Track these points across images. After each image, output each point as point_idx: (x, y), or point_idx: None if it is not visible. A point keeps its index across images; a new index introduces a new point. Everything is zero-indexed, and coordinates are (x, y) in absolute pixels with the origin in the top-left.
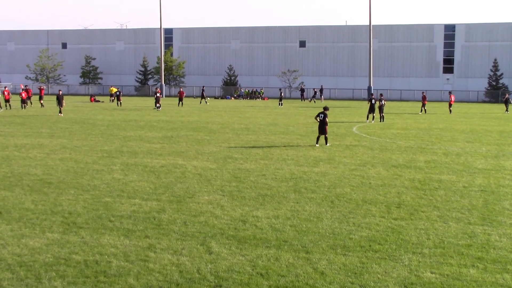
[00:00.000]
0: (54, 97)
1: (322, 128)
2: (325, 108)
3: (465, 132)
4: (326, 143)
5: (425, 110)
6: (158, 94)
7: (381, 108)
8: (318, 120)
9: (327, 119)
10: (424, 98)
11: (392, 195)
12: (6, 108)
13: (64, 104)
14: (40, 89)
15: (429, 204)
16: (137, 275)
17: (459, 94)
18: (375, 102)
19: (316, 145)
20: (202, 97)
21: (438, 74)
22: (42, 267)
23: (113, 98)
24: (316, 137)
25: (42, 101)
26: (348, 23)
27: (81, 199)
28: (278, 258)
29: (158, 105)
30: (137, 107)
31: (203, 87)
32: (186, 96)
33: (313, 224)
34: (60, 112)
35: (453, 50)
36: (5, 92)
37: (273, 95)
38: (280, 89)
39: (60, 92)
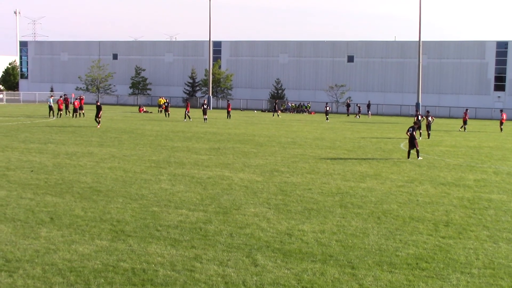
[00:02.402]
0: (102, 106)
1: (412, 142)
2: (415, 123)
3: None
4: (418, 157)
5: (464, 128)
6: (205, 106)
7: (428, 125)
8: (408, 134)
9: (415, 133)
10: (465, 115)
11: (440, 213)
12: (58, 117)
13: (101, 115)
14: (80, 99)
15: (479, 223)
16: (183, 285)
17: (511, 112)
18: (421, 119)
19: (408, 159)
20: (275, 110)
21: (489, 92)
22: (91, 273)
23: (161, 109)
24: (407, 151)
25: (83, 111)
26: (397, 39)
27: (129, 208)
28: (324, 272)
29: (205, 117)
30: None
31: (276, 100)
32: (233, 109)
33: (359, 240)
34: (98, 123)
35: (505, 68)
36: (59, 102)
37: (320, 110)
38: (326, 104)
39: (98, 103)
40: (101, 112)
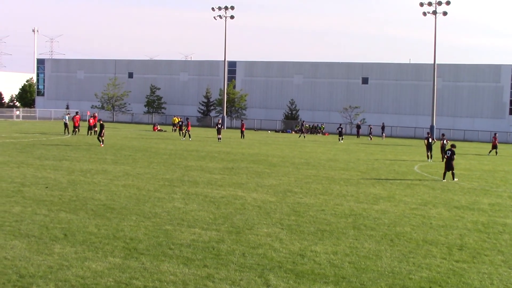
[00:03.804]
0: (117, 124)
1: (449, 164)
2: (453, 146)
3: None
4: (453, 178)
5: (496, 152)
6: (219, 126)
7: (443, 148)
8: (446, 157)
9: (454, 156)
10: (495, 140)
11: (454, 237)
12: (73, 134)
13: (103, 133)
14: (94, 116)
15: (493, 248)
16: None
17: None
18: (432, 141)
19: (443, 180)
20: (301, 131)
21: (504, 115)
22: None
23: (175, 128)
24: (443, 173)
25: (96, 129)
26: (412, 61)
27: (143, 226)
28: None
29: (219, 136)
30: (198, 138)
31: (303, 121)
32: (247, 129)
33: (372, 262)
34: (100, 142)
35: None
36: (75, 118)
37: (334, 131)
38: (340, 125)
39: (101, 122)
40: (103, 130)
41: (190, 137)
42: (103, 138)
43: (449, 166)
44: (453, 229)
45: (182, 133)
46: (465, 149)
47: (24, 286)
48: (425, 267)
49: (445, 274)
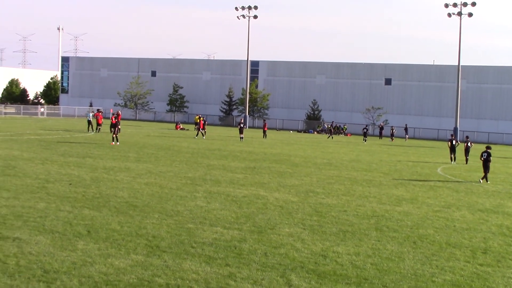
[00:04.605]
0: (140, 122)
1: (486, 166)
2: (488, 147)
3: None
4: (487, 181)
5: None
6: (241, 125)
7: (467, 150)
8: (482, 159)
9: (490, 158)
10: None
11: (478, 240)
12: (97, 131)
13: (118, 130)
14: (118, 115)
15: None
16: None
17: None
18: (456, 143)
19: (487, 182)
20: (330, 132)
21: None
22: (127, 287)
23: (198, 126)
24: (484, 175)
25: (119, 127)
26: (436, 63)
27: (165, 224)
28: None
29: (241, 135)
30: (220, 137)
31: (333, 122)
32: (269, 128)
33: (394, 264)
34: (113, 140)
35: None
36: (98, 116)
37: (356, 131)
38: (366, 126)
39: (114, 121)
40: (117, 129)
41: (203, 135)
42: (114, 135)
43: (486, 168)
44: (477, 232)
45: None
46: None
47: (48, 281)
48: (448, 270)
49: (469, 277)
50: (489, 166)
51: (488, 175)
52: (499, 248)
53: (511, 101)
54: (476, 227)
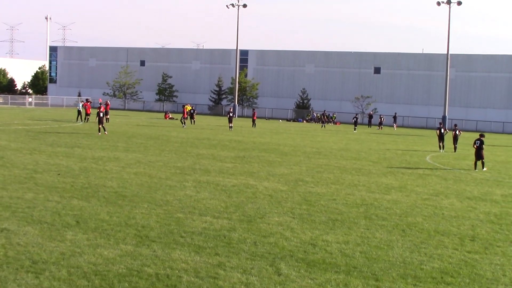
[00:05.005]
0: (129, 112)
1: (479, 153)
2: (482, 135)
3: None
4: (483, 168)
5: None
6: (231, 114)
7: (455, 138)
8: (475, 147)
9: (483, 146)
10: None
11: (466, 228)
12: (86, 121)
13: (107, 119)
14: (106, 105)
15: (506, 239)
16: None
17: None
18: (444, 132)
19: (475, 170)
20: (322, 121)
21: None
22: (116, 277)
23: (187, 115)
24: (474, 162)
25: (108, 116)
26: (425, 51)
27: (154, 214)
28: (347, 284)
29: (230, 125)
30: (210, 126)
31: (324, 111)
32: (258, 117)
33: (383, 252)
34: (99, 131)
35: None
36: (86, 106)
37: (345, 120)
38: (356, 115)
39: (102, 108)
40: (103, 119)
41: (184, 124)
42: (100, 126)
43: (478, 156)
44: (465, 219)
45: (192, 121)
46: None
47: (37, 272)
48: (436, 258)
49: (457, 264)
50: (482, 154)
51: (483, 161)
52: (487, 236)
53: (499, 89)
54: (464, 214)
